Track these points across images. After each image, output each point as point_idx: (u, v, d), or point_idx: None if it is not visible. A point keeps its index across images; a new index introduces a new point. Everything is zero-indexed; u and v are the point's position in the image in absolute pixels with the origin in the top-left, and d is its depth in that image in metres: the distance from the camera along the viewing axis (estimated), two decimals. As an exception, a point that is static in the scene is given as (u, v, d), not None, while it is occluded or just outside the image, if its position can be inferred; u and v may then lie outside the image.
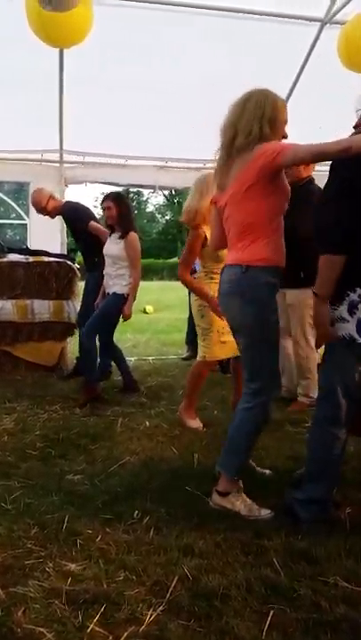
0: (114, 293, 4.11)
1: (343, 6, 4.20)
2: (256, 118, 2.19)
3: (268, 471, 2.73)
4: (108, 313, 4.13)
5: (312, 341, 3.82)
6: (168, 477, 2.65)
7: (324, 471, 2.21)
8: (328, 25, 4.37)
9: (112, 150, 5.47)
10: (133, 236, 4.05)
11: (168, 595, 1.75)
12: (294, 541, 2.05)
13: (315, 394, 3.13)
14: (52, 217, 4.80)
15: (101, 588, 1.79)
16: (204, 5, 4.10)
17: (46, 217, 4.77)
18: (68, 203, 4.82)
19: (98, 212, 4.93)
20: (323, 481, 2.20)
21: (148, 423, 3.54)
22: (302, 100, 4.72)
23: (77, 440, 3.20)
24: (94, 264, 4.58)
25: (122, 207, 4.10)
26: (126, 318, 4.13)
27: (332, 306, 2.14)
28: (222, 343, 3.28)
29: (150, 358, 6.05)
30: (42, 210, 4.68)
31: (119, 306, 4.09)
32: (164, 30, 4.18)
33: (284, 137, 2.28)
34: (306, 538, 2.06)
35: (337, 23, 4.25)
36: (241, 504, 2.32)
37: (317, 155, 2.11)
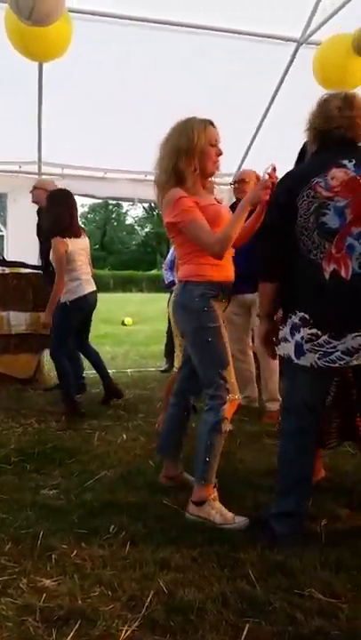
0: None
1: (319, 27, 4.31)
2: (171, 154, 2.34)
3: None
4: (54, 326, 4.04)
5: None
6: (145, 491, 2.64)
7: (295, 484, 2.22)
8: (304, 45, 4.48)
9: (91, 163, 5.49)
10: (55, 240, 3.94)
11: (144, 610, 1.73)
12: (270, 554, 2.05)
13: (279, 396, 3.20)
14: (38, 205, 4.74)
15: (76, 603, 1.76)
16: (181, 23, 4.16)
17: (24, 228, 4.75)
18: None
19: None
20: (294, 494, 2.21)
21: (125, 436, 3.52)
22: (278, 120, 4.82)
23: (53, 454, 3.17)
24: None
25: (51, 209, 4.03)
26: (43, 326, 4.13)
27: (281, 326, 2.23)
28: None
29: (129, 371, 6.03)
30: (37, 195, 4.63)
31: (61, 315, 3.99)
32: (143, 46, 4.23)
33: (219, 154, 2.40)
34: (282, 550, 2.07)
35: (313, 44, 4.36)
36: (216, 513, 2.33)
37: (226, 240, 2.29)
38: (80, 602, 1.77)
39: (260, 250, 2.21)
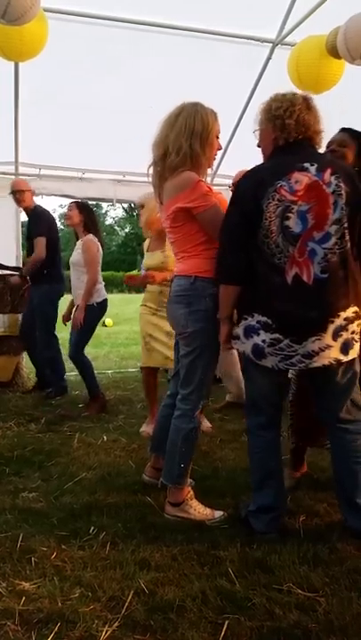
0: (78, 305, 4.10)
1: (294, 28, 4.34)
2: (185, 134, 2.22)
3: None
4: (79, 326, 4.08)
5: None
6: (125, 492, 2.64)
7: (267, 478, 2.26)
8: (279, 46, 4.51)
9: (69, 163, 5.45)
10: (88, 238, 4.11)
11: (124, 610, 1.74)
12: (250, 551, 2.07)
13: None
14: (19, 206, 4.82)
15: (56, 606, 1.76)
16: (158, 24, 4.16)
17: (1, 229, 4.73)
18: (39, 207, 4.80)
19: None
20: (268, 488, 2.25)
21: (105, 437, 3.51)
22: (253, 123, 4.85)
23: (32, 457, 3.15)
24: (43, 276, 4.54)
25: (83, 214, 4.21)
26: (75, 323, 4.08)
27: (236, 325, 2.22)
28: (147, 350, 3.46)
29: (109, 372, 6.01)
30: (16, 193, 4.63)
31: (88, 317, 4.07)
32: (120, 47, 4.22)
33: (219, 149, 2.35)
34: (261, 547, 2.09)
35: (288, 45, 4.39)
36: (194, 511, 2.35)
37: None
38: (60, 604, 1.77)
39: (221, 252, 2.17)
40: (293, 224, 2.02)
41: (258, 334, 2.10)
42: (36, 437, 3.54)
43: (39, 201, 5.12)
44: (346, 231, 2.03)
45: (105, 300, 4.23)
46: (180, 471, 2.38)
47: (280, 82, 4.06)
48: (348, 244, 2.04)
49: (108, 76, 4.40)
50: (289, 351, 2.06)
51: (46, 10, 3.54)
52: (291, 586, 1.85)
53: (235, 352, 4.15)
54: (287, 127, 2.11)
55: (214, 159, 2.37)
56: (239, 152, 5.14)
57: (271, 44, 4.50)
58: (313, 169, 2.05)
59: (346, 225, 2.03)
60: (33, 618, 1.70)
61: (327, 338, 2.04)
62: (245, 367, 2.31)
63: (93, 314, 4.13)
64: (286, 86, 3.96)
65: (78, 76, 4.43)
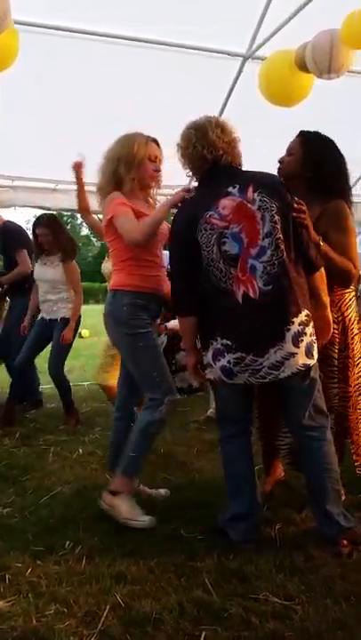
0: (62, 319, 4.07)
1: (264, 42, 4.42)
2: (113, 160, 2.50)
3: (163, 491, 2.76)
4: (60, 343, 4.06)
5: None
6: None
7: (241, 485, 2.29)
8: (250, 60, 4.58)
9: (42, 175, 5.42)
10: (73, 264, 4.16)
11: (100, 625, 1.72)
12: (226, 561, 2.07)
13: None
14: None
15: (30, 624, 1.73)
16: (128, 37, 4.19)
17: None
18: (9, 222, 4.76)
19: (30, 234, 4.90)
20: (242, 495, 2.27)
21: (81, 451, 3.48)
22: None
23: (7, 472, 3.10)
24: (24, 289, 4.51)
25: (58, 230, 4.18)
26: (66, 342, 4.05)
27: (202, 353, 2.27)
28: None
29: (86, 384, 5.96)
30: None
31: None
32: (91, 59, 4.23)
33: (156, 170, 2.55)
34: (237, 557, 2.09)
35: (259, 58, 4.46)
36: (126, 507, 2.38)
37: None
38: (35, 621, 1.74)
39: (173, 286, 2.28)
40: (230, 247, 2.10)
41: (223, 356, 2.14)
42: (10, 452, 3.49)
43: (13, 212, 5.10)
44: (279, 242, 2.10)
45: (80, 315, 4.24)
46: (129, 460, 2.45)
47: (251, 95, 4.14)
48: (285, 254, 2.10)
49: (80, 89, 4.41)
50: (255, 366, 2.11)
51: (18, 22, 3.54)
52: (267, 595, 1.85)
53: None
54: (203, 155, 2.20)
55: (155, 179, 2.58)
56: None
57: (242, 58, 4.57)
58: (235, 191, 2.13)
59: (279, 236, 2.10)
60: (7, 637, 1.67)
61: (288, 346, 2.09)
62: (216, 388, 2.35)
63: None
64: (257, 100, 4.06)
65: (51, 88, 4.43)
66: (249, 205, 2.10)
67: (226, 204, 2.11)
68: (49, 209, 5.37)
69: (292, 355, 2.09)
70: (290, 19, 4.06)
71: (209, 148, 2.18)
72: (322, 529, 2.21)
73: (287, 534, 2.30)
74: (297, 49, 3.82)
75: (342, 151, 2.53)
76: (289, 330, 2.08)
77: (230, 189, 2.13)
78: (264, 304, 2.09)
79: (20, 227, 4.81)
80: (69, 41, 4.17)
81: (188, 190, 2.30)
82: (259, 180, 2.15)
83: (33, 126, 4.76)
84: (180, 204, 2.27)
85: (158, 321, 5.41)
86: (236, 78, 4.69)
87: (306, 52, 3.65)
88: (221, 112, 4.97)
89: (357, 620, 1.72)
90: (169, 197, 2.44)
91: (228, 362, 2.13)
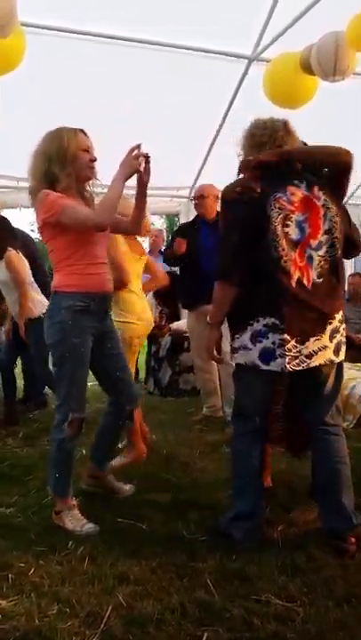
0: (28, 319, 3.93)
1: (269, 45, 4.43)
2: (43, 161, 2.33)
3: (128, 486, 2.79)
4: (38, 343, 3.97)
5: None
6: (104, 505, 2.62)
7: (247, 484, 2.30)
8: (255, 62, 4.59)
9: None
10: (10, 253, 3.90)
11: (102, 625, 1.73)
12: (228, 562, 2.07)
13: None
14: None
15: (33, 623, 1.74)
16: (135, 39, 4.21)
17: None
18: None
19: (35, 235, 4.88)
20: (247, 494, 2.29)
21: (84, 451, 3.47)
22: (230, 136, 4.92)
23: (10, 472, 3.11)
24: None
25: None
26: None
27: (234, 335, 2.27)
28: None
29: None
30: None
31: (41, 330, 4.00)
32: (98, 62, 4.25)
33: (92, 160, 2.39)
34: (239, 557, 2.10)
35: (264, 60, 4.48)
36: (68, 521, 2.40)
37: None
38: (37, 621, 1.75)
39: (223, 259, 2.26)
40: (292, 232, 2.17)
41: (266, 337, 2.17)
42: (14, 452, 3.50)
43: (17, 213, 5.10)
44: (336, 241, 2.20)
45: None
46: (54, 480, 2.45)
47: (256, 97, 4.15)
48: (339, 252, 2.21)
49: (84, 90, 4.42)
50: (295, 352, 2.15)
51: (24, 24, 3.56)
52: (269, 596, 1.85)
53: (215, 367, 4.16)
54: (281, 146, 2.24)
55: (92, 170, 2.41)
56: (216, 166, 5.22)
57: (247, 60, 4.58)
58: (303, 186, 2.19)
59: (337, 235, 2.20)
60: (9, 636, 1.67)
61: (325, 339, 2.18)
62: (242, 376, 2.32)
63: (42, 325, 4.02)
64: (262, 101, 4.06)
65: (56, 89, 4.45)
66: (315, 201, 2.19)
67: (295, 192, 2.17)
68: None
69: (325, 347, 2.18)
70: (295, 21, 4.07)
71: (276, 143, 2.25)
72: (331, 524, 2.22)
73: (289, 535, 2.30)
74: (302, 51, 3.83)
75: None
76: (331, 324, 2.19)
77: (296, 182, 2.18)
78: (315, 294, 2.17)
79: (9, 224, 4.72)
80: (74, 42, 4.20)
81: (141, 157, 2.30)
82: (321, 183, 2.20)
83: (35, 127, 4.77)
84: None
85: (163, 322, 5.43)
86: (242, 80, 4.71)
87: (311, 55, 3.66)
88: (226, 113, 4.99)
89: (359, 622, 1.72)
90: (123, 166, 2.31)
91: (273, 342, 2.16)
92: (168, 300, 5.39)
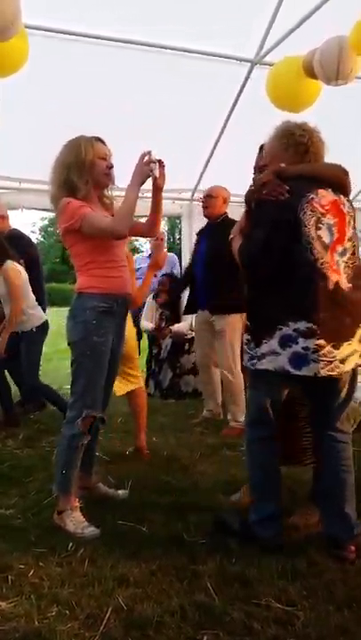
0: (22, 332, 3.98)
1: (272, 48, 4.44)
2: (62, 169, 2.42)
3: (121, 492, 2.77)
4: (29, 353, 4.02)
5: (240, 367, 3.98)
6: (104, 507, 2.62)
7: (269, 488, 2.31)
8: (258, 65, 4.60)
9: (48, 177, 5.45)
10: (8, 268, 3.91)
11: (102, 627, 1.72)
12: (228, 565, 2.07)
13: (242, 419, 3.26)
14: None
15: (32, 625, 1.73)
16: (137, 41, 4.22)
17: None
18: (15, 230, 4.69)
19: (36, 236, 4.89)
20: (270, 497, 2.30)
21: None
22: (236, 137, 4.93)
23: (10, 473, 3.11)
24: None
25: None
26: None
27: (262, 340, 2.20)
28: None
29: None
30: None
31: (33, 342, 4.03)
32: (101, 64, 4.26)
33: (109, 167, 2.48)
34: (240, 561, 2.09)
35: (267, 64, 4.48)
36: (70, 522, 2.39)
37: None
38: (37, 623, 1.74)
39: (252, 260, 2.24)
40: (324, 235, 2.16)
41: (296, 342, 2.12)
42: (14, 454, 3.49)
43: (19, 214, 5.09)
44: (356, 249, 2.23)
45: (45, 322, 4.10)
46: (60, 478, 2.46)
47: (259, 101, 4.16)
48: (358, 261, 2.24)
49: (87, 92, 4.43)
50: (330, 357, 2.11)
51: (27, 27, 3.57)
52: (269, 600, 1.85)
53: (241, 380, 4.09)
54: (308, 155, 2.28)
55: (109, 177, 2.50)
56: (218, 168, 5.23)
57: (250, 64, 4.59)
58: (330, 190, 2.21)
59: (356, 243, 2.24)
60: (9, 638, 1.67)
61: (355, 343, 2.18)
62: (266, 382, 2.26)
63: (34, 338, 4.03)
64: (265, 105, 4.07)
65: (56, 90, 4.46)
66: (342, 207, 2.22)
67: (324, 194, 2.18)
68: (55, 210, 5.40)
69: (355, 352, 2.18)
70: (298, 25, 4.08)
71: (312, 150, 2.29)
72: (332, 531, 2.21)
73: (290, 539, 2.29)
74: (305, 55, 3.84)
75: (346, 156, 2.56)
76: (359, 328, 2.19)
77: (324, 186, 2.20)
78: (348, 299, 2.16)
79: (22, 234, 4.74)
80: (77, 45, 4.21)
81: (153, 163, 2.34)
82: (345, 191, 2.28)
83: (35, 127, 4.78)
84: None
85: (163, 324, 5.43)
86: (244, 83, 4.71)
87: (314, 59, 3.67)
88: (228, 117, 4.99)
89: (359, 626, 1.71)
90: (136, 174, 2.36)
91: (305, 348, 2.10)
92: (168, 302, 5.39)
